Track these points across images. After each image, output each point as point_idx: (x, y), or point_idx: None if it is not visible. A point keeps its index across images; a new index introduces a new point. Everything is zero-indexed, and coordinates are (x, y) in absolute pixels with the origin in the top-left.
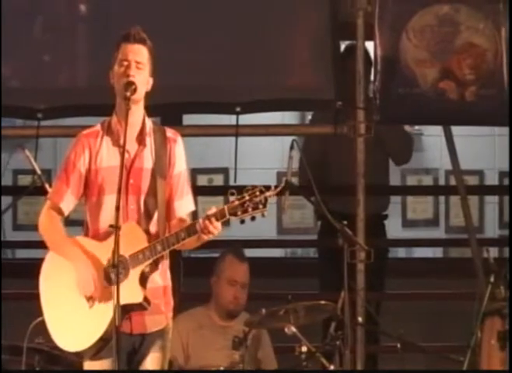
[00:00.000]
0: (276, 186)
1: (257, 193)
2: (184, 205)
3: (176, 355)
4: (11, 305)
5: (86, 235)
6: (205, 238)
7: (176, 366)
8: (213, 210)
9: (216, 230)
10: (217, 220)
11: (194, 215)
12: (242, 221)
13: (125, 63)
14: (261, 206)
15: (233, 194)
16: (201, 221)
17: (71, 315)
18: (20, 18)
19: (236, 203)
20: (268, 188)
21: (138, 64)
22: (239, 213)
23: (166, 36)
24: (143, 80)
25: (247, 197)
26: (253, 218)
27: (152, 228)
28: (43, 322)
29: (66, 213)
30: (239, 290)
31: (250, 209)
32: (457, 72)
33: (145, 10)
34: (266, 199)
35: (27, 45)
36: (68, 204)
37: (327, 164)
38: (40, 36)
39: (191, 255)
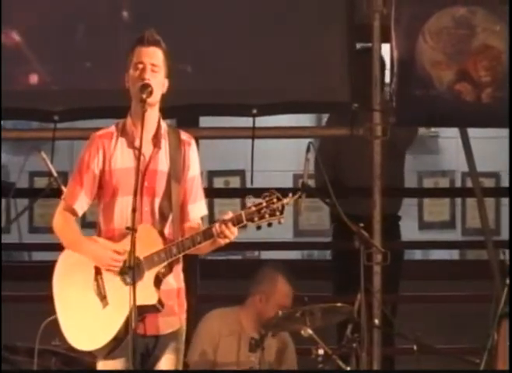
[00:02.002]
0: (294, 193)
1: (275, 200)
2: (198, 209)
3: (206, 349)
4: (27, 307)
5: (99, 235)
6: (221, 242)
7: (205, 361)
8: (230, 214)
9: (233, 235)
10: (234, 225)
11: (211, 218)
12: (258, 227)
13: (140, 66)
14: (278, 213)
15: (249, 198)
16: (217, 225)
17: (85, 315)
18: (37, 20)
19: (254, 209)
20: (285, 194)
21: (154, 67)
22: (256, 219)
23: (186, 39)
24: (159, 83)
25: (265, 204)
26: (269, 224)
27: (167, 230)
28: (55, 322)
29: (80, 213)
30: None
31: (267, 215)
32: (474, 74)
33: (162, 13)
34: (283, 206)
35: (45, 48)
36: (81, 205)
37: (341, 165)
38: (57, 39)
39: (208, 257)
